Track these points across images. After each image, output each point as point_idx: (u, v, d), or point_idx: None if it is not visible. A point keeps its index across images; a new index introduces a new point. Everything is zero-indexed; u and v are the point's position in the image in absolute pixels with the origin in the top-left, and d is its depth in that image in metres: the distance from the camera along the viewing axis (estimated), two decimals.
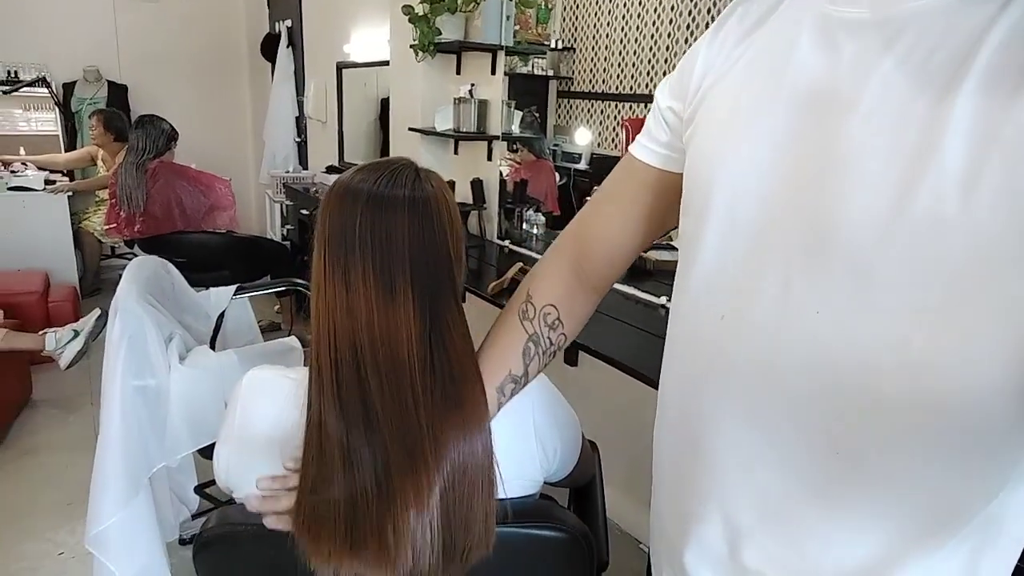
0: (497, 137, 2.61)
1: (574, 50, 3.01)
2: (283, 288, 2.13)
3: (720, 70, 0.57)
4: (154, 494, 1.58)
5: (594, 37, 2.88)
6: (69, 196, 3.83)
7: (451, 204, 0.73)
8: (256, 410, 0.79)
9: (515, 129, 2.66)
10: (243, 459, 0.79)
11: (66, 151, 4.37)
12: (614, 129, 2.89)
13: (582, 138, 2.98)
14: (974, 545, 0.50)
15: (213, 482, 0.89)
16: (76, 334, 2.40)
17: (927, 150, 0.41)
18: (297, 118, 4.57)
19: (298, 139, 4.60)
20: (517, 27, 2.56)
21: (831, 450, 0.49)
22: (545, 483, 0.90)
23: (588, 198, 2.96)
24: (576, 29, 2.96)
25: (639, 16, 2.69)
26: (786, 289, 0.49)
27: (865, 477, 0.49)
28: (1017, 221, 0.38)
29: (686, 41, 2.54)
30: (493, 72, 2.56)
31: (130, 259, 3.05)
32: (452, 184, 2.74)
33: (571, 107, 3.06)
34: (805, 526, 0.53)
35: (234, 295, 1.98)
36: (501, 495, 0.79)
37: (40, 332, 2.45)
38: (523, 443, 0.80)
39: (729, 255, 0.54)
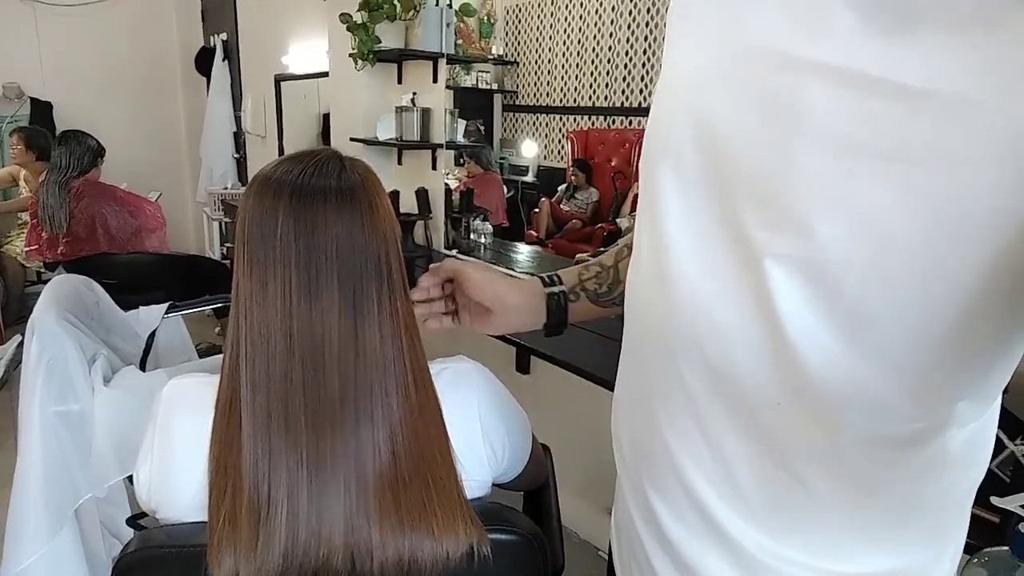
0: (441, 145, 2.58)
1: (518, 64, 3.02)
2: (220, 305, 2.03)
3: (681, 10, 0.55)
4: (82, 529, 1.47)
5: (537, 51, 2.91)
6: None
7: (380, 193, 0.70)
8: (177, 422, 0.73)
9: (459, 138, 2.64)
10: (165, 476, 0.74)
11: None
12: (560, 141, 2.92)
13: (528, 151, 3.00)
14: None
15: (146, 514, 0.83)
16: None
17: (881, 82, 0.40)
18: (235, 133, 4.44)
19: (237, 155, 4.47)
20: (460, 41, 2.57)
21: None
22: (496, 487, 0.87)
23: (536, 210, 2.95)
24: (519, 43, 2.98)
25: (580, 31, 2.73)
26: (736, 240, 0.48)
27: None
28: (960, 136, 0.37)
29: (626, 54, 2.59)
30: (435, 80, 2.54)
31: None
32: (396, 194, 2.70)
33: (516, 121, 3.08)
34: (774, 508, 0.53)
35: (166, 313, 1.88)
36: None
37: None
38: (468, 439, 0.77)
39: (679, 200, 0.52)
